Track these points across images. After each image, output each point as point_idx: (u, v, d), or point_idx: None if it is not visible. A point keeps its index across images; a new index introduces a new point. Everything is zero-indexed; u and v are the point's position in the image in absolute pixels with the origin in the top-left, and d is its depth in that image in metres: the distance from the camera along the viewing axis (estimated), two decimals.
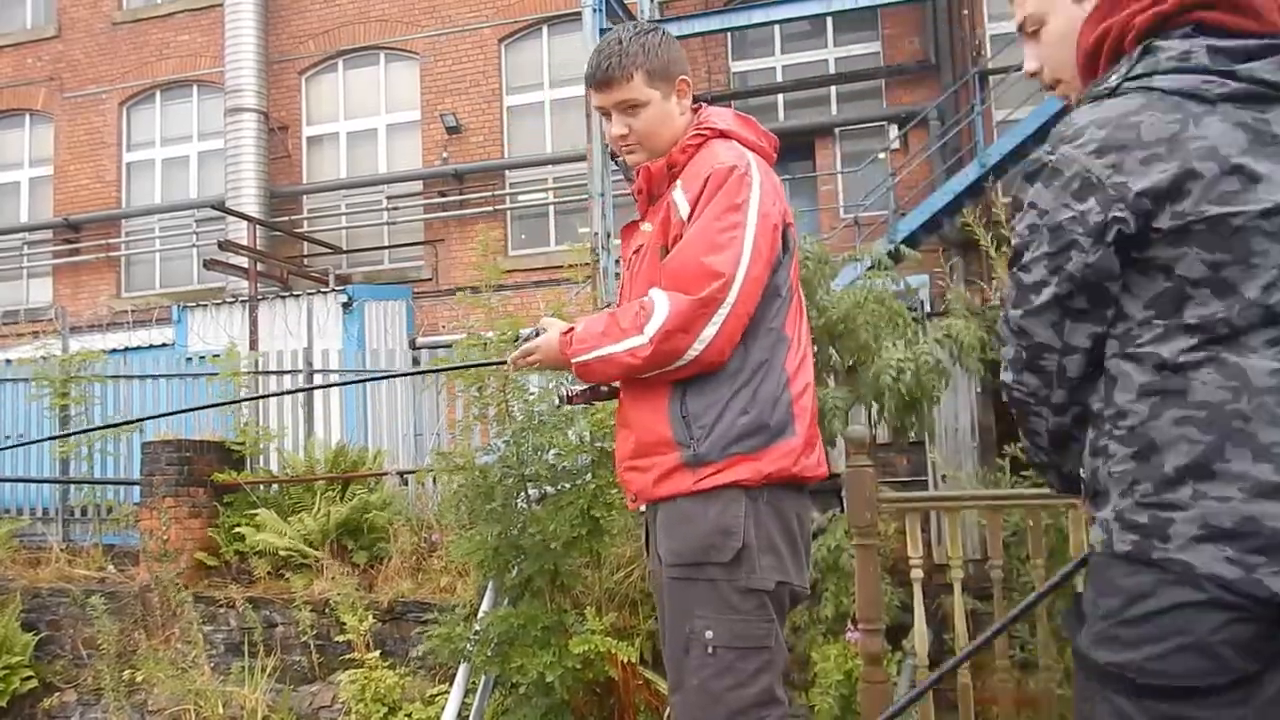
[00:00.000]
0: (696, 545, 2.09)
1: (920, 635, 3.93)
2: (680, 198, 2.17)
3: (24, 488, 9.12)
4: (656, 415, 2.15)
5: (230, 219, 13.25)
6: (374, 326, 12.11)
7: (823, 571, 4.90)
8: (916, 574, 3.91)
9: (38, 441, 8.65)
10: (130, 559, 7.71)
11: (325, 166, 14.61)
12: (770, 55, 13.25)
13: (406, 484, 7.67)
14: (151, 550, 7.14)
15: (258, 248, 12.84)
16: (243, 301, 12.18)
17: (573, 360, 2.18)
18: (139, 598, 7.04)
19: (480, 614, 5.17)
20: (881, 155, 12.07)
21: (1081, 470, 1.56)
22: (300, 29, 14.63)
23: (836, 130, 12.73)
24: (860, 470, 3.81)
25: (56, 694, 6.94)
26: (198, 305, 12.52)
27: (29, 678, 6.88)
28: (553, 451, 5.04)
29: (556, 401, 4.81)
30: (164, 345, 11.90)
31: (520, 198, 13.77)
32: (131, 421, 7.50)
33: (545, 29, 13.81)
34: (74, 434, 8.31)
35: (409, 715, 5.62)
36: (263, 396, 8.76)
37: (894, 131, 12.25)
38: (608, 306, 2.94)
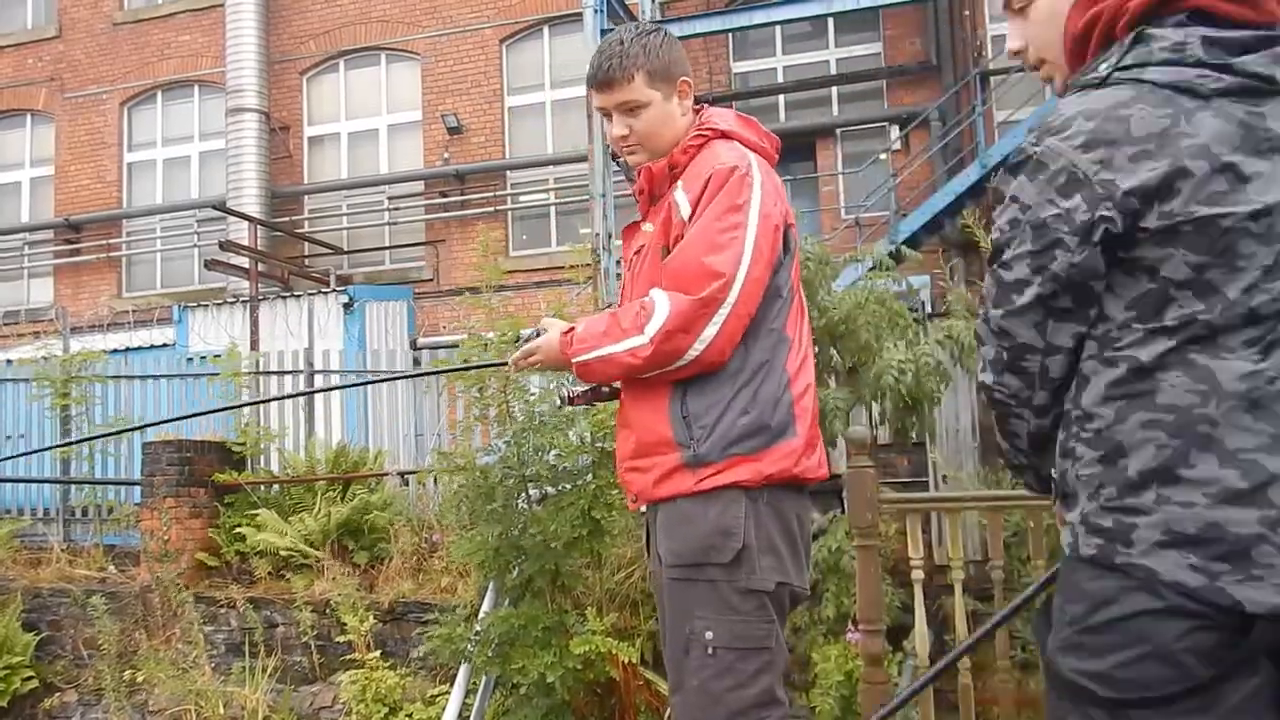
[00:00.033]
0: (697, 546, 2.09)
1: (921, 636, 3.93)
2: (681, 198, 2.17)
3: (25, 488, 9.12)
4: (657, 415, 2.15)
5: (231, 219, 13.25)
6: (375, 327, 12.12)
7: (823, 572, 4.90)
8: (917, 575, 3.91)
9: (42, 450, 8.67)
10: (131, 559, 7.71)
11: (326, 167, 14.61)
12: (771, 56, 13.25)
13: (407, 484, 7.67)
14: (152, 550, 7.14)
15: (259, 248, 12.85)
16: (244, 302, 12.18)
17: (573, 360, 2.18)
18: (140, 598, 7.05)
19: (481, 614, 5.17)
20: (883, 156, 12.07)
21: (1053, 471, 1.53)
22: (301, 29, 14.64)
23: (838, 131, 12.73)
24: (861, 471, 3.81)
25: (57, 694, 6.94)
26: (199, 305, 12.53)
27: (30, 678, 6.88)
28: (553, 452, 5.04)
29: (558, 402, 4.81)
30: (165, 345, 11.91)
31: (521, 198, 13.78)
32: (135, 428, 7.50)
33: (546, 29, 13.81)
34: (77, 442, 8.29)
35: (410, 716, 5.62)
36: (265, 400, 8.75)
37: (895, 132, 12.25)
38: (609, 307, 2.94)
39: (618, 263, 7.13)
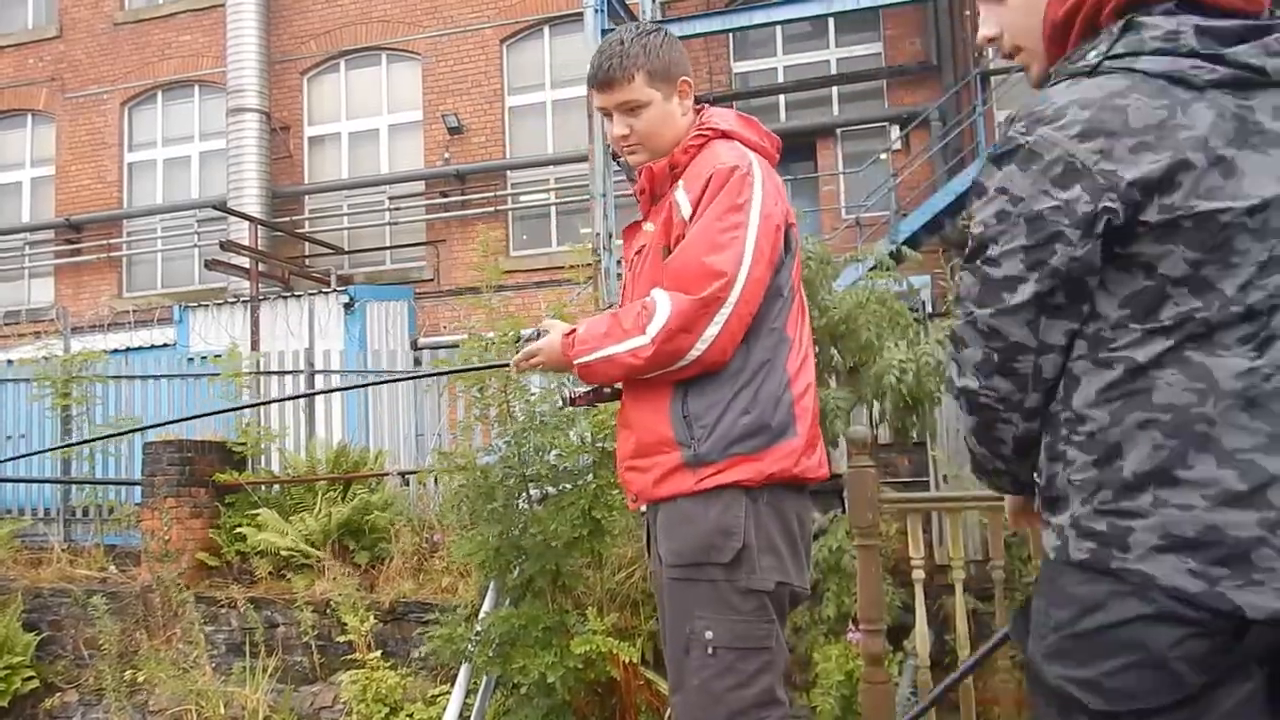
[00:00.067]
0: (697, 545, 2.09)
1: (922, 636, 3.93)
2: (682, 198, 2.17)
3: (25, 488, 9.13)
4: (658, 415, 2.15)
5: (232, 219, 13.26)
6: (375, 327, 12.12)
7: (824, 572, 4.90)
8: (918, 575, 3.91)
9: (42, 452, 8.66)
10: (132, 559, 7.71)
11: (327, 167, 14.62)
12: (772, 56, 13.25)
13: (408, 484, 7.67)
14: (153, 550, 7.14)
15: (259, 248, 12.85)
16: (244, 302, 12.19)
17: (575, 361, 2.18)
18: (140, 598, 7.05)
19: (482, 614, 5.17)
20: (883, 156, 12.07)
21: (1036, 475, 1.47)
22: (302, 29, 14.64)
23: (838, 131, 12.73)
24: (862, 471, 3.81)
25: (58, 694, 6.94)
26: (199, 305, 12.53)
27: (30, 678, 6.88)
28: (554, 452, 5.04)
29: (559, 402, 4.81)
30: (165, 345, 11.92)
31: (522, 198, 13.78)
32: (137, 429, 7.50)
33: (547, 29, 13.82)
34: (79, 443, 8.30)
35: (410, 716, 5.62)
36: (267, 402, 8.75)
37: (895, 132, 12.25)
38: (610, 307, 2.94)
39: (618, 263, 7.15)
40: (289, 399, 8.71)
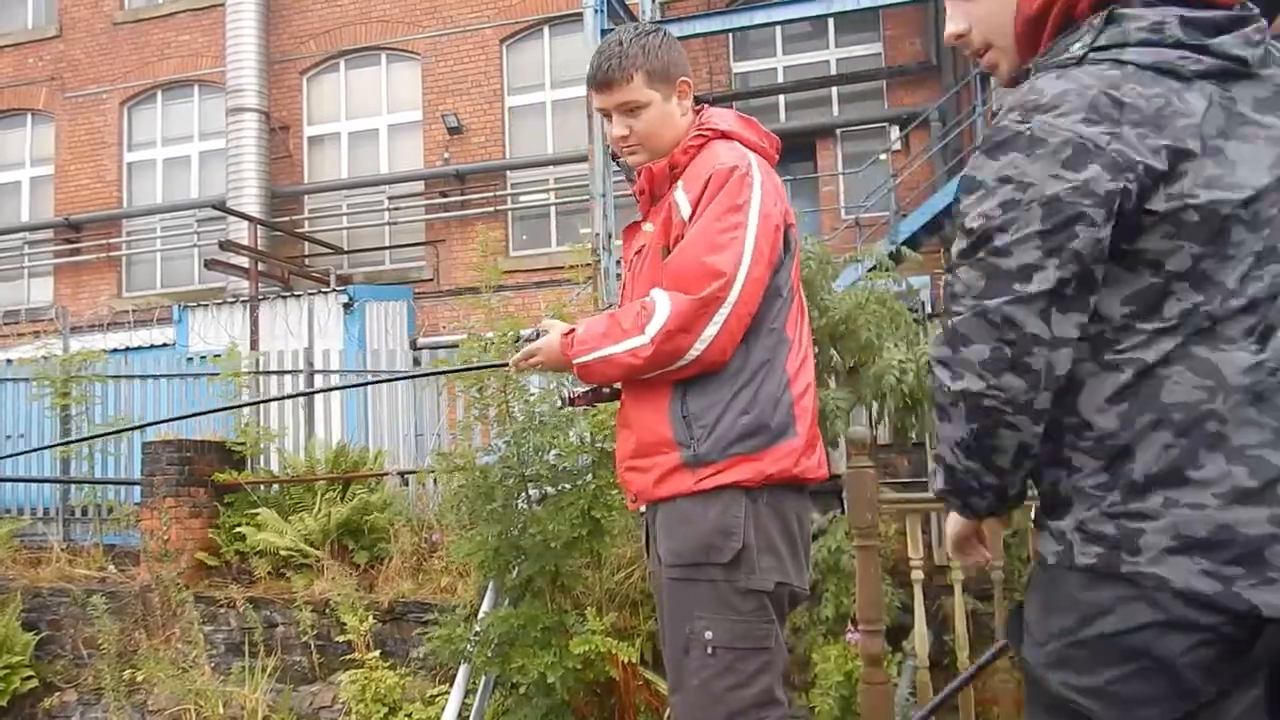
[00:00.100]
0: (696, 546, 2.09)
1: (921, 636, 3.93)
2: (682, 198, 2.17)
3: (25, 487, 9.12)
4: (657, 415, 2.15)
5: (231, 219, 13.25)
6: (375, 327, 12.12)
7: (823, 572, 4.90)
8: (917, 575, 3.91)
9: (41, 449, 8.66)
10: (131, 559, 7.71)
11: (326, 166, 14.61)
12: (772, 56, 13.25)
13: (407, 484, 7.67)
14: (152, 550, 7.14)
15: (259, 248, 12.85)
16: (244, 301, 12.18)
17: (574, 361, 2.18)
18: (139, 597, 7.05)
19: (481, 614, 5.17)
20: (883, 156, 12.07)
21: (1034, 480, 1.42)
22: (301, 29, 14.64)
23: (838, 131, 12.74)
24: (861, 471, 3.81)
25: (57, 694, 6.94)
26: (198, 305, 12.53)
27: (29, 677, 6.88)
28: (553, 452, 5.04)
29: (558, 402, 4.81)
30: (165, 345, 11.91)
31: (521, 198, 13.78)
32: (136, 428, 7.50)
33: (546, 29, 13.81)
34: (77, 441, 8.30)
35: (409, 716, 5.62)
36: (266, 401, 8.76)
37: (895, 132, 12.25)
38: (609, 307, 2.94)
39: (618, 263, 7.14)
40: (288, 398, 8.70)
